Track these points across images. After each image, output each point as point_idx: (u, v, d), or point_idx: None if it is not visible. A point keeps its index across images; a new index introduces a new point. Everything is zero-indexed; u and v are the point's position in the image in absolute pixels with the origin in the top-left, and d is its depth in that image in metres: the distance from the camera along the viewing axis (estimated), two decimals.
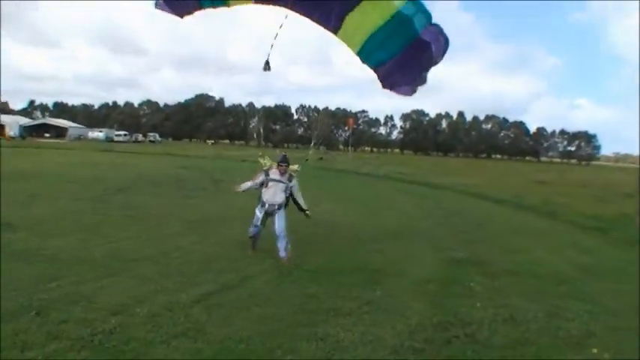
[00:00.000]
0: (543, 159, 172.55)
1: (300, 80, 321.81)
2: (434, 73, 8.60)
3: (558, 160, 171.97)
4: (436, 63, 8.20)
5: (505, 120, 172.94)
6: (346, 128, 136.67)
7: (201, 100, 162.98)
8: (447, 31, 7.87)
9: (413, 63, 8.14)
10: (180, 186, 22.62)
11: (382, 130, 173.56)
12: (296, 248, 10.22)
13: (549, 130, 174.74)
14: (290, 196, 10.04)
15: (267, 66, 9.54)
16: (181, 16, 8.88)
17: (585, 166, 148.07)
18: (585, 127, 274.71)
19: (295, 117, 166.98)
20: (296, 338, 6.04)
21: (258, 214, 9.88)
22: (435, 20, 7.77)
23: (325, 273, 9.02)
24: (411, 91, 9.00)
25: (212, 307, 6.97)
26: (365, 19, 7.76)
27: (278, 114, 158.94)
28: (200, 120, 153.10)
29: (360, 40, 8.17)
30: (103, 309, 6.53)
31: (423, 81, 8.67)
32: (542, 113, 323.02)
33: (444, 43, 7.93)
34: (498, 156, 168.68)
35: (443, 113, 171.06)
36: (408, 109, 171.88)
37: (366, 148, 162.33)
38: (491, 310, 7.55)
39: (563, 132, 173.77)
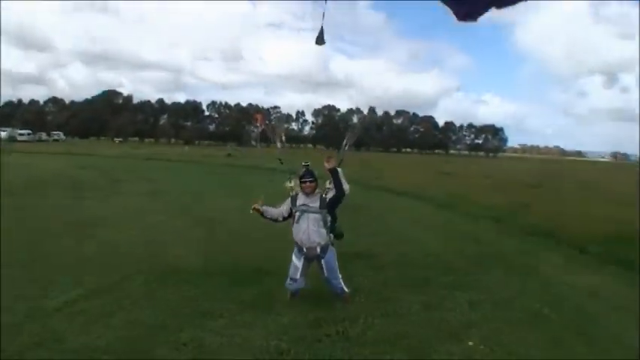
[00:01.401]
0: (452, 152, 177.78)
1: (210, 76, 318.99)
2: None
3: (466, 152, 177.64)
4: None
5: (415, 115, 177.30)
6: (257, 124, 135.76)
7: (109, 96, 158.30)
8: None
9: None
10: (75, 187, 21.56)
11: (294, 125, 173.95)
12: (183, 248, 9.86)
13: (457, 124, 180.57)
14: (332, 217, 7.24)
15: (321, 39, 5.24)
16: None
17: (492, 158, 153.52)
18: (492, 121, 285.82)
19: (206, 113, 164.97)
20: (156, 344, 5.65)
21: (296, 262, 7.22)
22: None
23: (207, 273, 8.64)
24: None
25: (74, 315, 6.51)
26: None
27: (188, 110, 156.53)
28: (108, 117, 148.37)
29: None
30: None
31: None
32: (451, 108, 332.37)
33: None
34: (409, 150, 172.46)
35: (354, 108, 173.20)
36: (319, 105, 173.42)
37: (278, 144, 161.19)
38: (371, 304, 7.37)
39: (471, 126, 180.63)
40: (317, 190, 7.18)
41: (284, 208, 7.29)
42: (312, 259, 7.23)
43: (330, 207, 7.12)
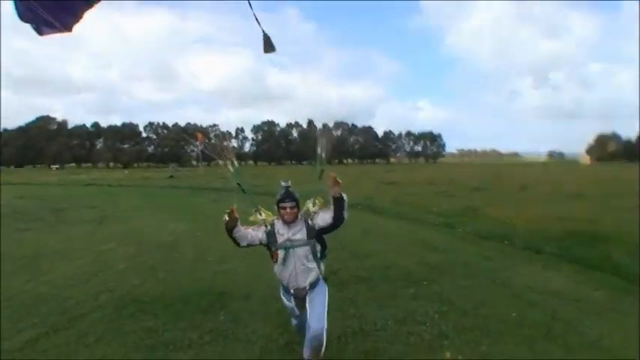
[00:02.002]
0: (392, 160, 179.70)
1: (144, 96, 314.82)
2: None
3: (406, 160, 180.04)
4: None
5: (354, 126, 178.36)
6: (197, 143, 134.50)
7: (43, 122, 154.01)
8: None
9: None
10: (15, 218, 20.46)
11: (234, 142, 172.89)
12: (138, 276, 9.50)
13: (396, 132, 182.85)
14: (321, 244, 5.80)
15: (270, 46, 4.89)
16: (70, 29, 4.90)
17: (432, 164, 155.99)
18: (430, 127, 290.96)
19: (144, 135, 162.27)
20: None
21: (287, 302, 5.83)
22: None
23: (165, 302, 8.27)
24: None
25: (37, 354, 6.24)
26: None
27: (125, 132, 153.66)
28: (42, 144, 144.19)
29: None
30: None
31: None
32: (387, 116, 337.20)
33: None
34: (349, 160, 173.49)
35: (293, 122, 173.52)
36: (258, 121, 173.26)
37: (220, 162, 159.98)
38: (341, 322, 7.21)
39: (409, 133, 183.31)
40: (299, 215, 5.57)
41: (259, 235, 5.57)
42: (303, 297, 5.62)
43: (319, 234, 5.61)
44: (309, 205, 5.58)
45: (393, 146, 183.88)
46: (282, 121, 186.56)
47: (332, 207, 5.33)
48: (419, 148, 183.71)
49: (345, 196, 5.34)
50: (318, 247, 5.67)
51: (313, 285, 5.61)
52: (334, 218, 5.36)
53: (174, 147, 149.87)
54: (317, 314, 5.46)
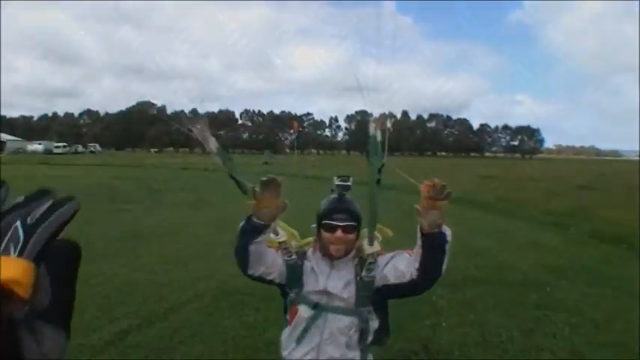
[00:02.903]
0: (487, 154, 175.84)
1: (241, 85, 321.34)
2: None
3: (502, 155, 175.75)
4: None
5: (449, 117, 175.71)
6: (291, 131, 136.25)
7: (143, 107, 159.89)
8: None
9: None
10: (115, 199, 20.67)
11: (327, 132, 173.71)
12: (232, 266, 9.18)
13: (492, 126, 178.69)
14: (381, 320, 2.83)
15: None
16: None
17: (529, 159, 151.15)
18: (526, 122, 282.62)
19: (240, 122, 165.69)
20: None
21: None
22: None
23: (265, 295, 7.80)
24: None
25: (128, 350, 5.72)
26: None
27: (221, 119, 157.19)
28: (142, 128, 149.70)
29: None
30: None
31: None
32: (484, 110, 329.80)
33: None
34: (444, 153, 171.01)
35: (387, 113, 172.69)
36: (351, 111, 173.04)
37: (313, 151, 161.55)
38: (459, 329, 6.53)
39: (506, 127, 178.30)
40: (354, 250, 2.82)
41: (279, 262, 2.82)
42: None
43: (382, 299, 2.85)
44: (363, 242, 2.74)
45: (489, 140, 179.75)
46: (375, 112, 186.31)
47: (418, 250, 2.54)
48: (515, 142, 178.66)
49: (447, 231, 2.53)
50: (374, 323, 2.79)
51: None
52: (421, 271, 2.53)
53: (269, 134, 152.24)
54: None
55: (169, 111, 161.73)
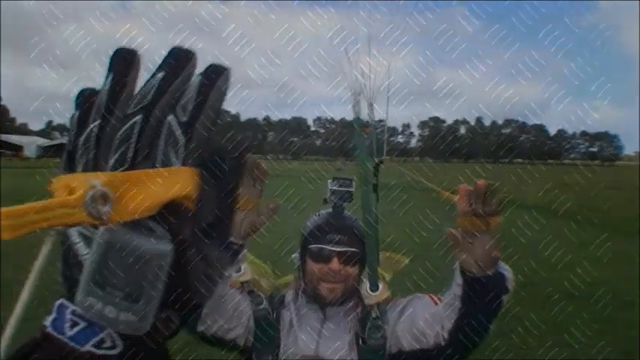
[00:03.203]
0: (565, 161, 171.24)
1: (312, 92, 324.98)
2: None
3: (579, 161, 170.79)
4: None
5: (524, 123, 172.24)
6: (365, 136, 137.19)
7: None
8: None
9: None
10: None
11: (400, 138, 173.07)
12: None
13: (569, 132, 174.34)
14: None
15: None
16: None
17: (608, 166, 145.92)
18: (604, 128, 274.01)
19: (312, 129, 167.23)
20: None
21: None
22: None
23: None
24: None
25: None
26: None
27: (293, 126, 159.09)
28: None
29: None
30: None
31: None
32: (559, 115, 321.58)
33: None
34: (520, 160, 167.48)
35: (460, 119, 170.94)
36: (425, 117, 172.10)
37: (386, 157, 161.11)
38: (551, 350, 5.89)
39: (584, 133, 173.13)
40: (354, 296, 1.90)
41: (246, 314, 1.81)
42: None
43: None
44: (361, 286, 1.87)
45: (567, 146, 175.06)
46: (449, 118, 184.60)
47: (455, 300, 1.62)
48: (594, 149, 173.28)
49: (507, 272, 1.64)
50: None
51: None
52: (455, 334, 1.62)
53: (343, 141, 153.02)
54: None
55: (243, 119, 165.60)
